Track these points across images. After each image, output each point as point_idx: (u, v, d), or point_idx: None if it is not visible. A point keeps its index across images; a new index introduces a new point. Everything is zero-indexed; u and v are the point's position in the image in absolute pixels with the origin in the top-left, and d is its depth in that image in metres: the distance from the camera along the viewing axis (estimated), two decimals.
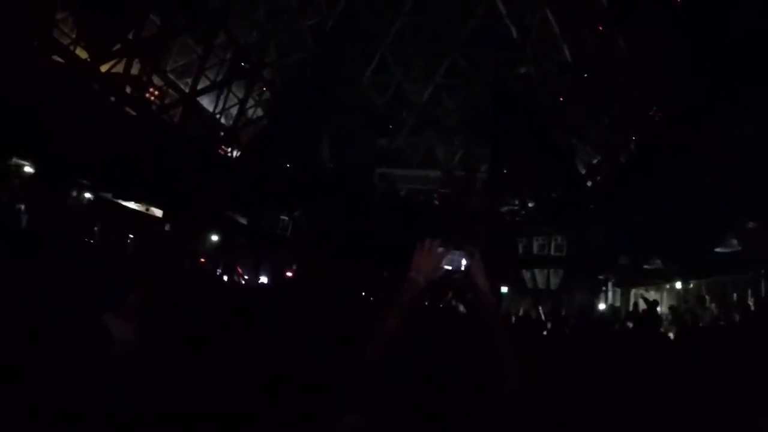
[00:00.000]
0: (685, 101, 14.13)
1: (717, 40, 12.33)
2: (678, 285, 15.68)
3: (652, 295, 16.13)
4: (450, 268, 2.08)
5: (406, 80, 19.45)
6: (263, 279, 19.07)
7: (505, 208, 18.64)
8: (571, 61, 16.47)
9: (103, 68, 14.57)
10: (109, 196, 15.67)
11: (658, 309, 14.99)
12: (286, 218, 19.21)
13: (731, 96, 12.04)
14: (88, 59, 14.02)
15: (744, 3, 12.10)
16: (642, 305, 15.49)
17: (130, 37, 14.72)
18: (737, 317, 13.36)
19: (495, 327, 2.09)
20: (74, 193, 15.03)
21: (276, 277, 19.37)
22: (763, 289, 13.41)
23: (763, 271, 13.76)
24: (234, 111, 17.70)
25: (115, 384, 3.47)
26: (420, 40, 18.73)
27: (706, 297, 14.96)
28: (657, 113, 15.22)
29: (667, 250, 15.34)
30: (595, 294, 17.25)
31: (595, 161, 17.12)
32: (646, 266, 16.03)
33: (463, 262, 2.08)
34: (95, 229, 15.50)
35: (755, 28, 11.45)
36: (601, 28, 15.45)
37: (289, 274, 19.99)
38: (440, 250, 2.07)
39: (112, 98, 14.97)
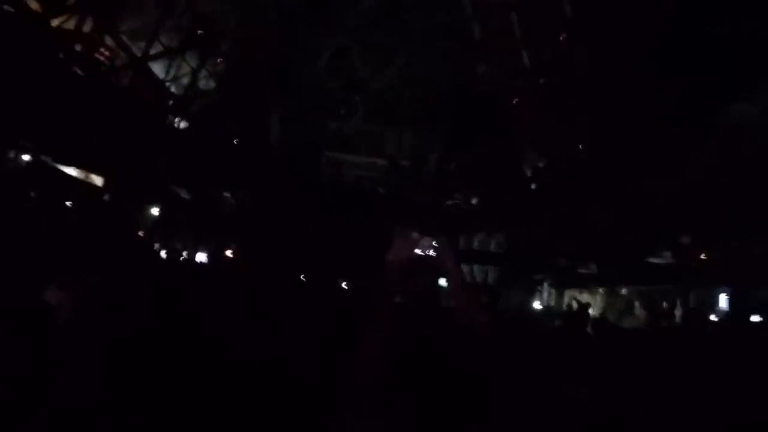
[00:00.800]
0: (636, 115, 14.83)
1: (678, 58, 13.01)
2: (611, 291, 16.64)
3: (585, 297, 17.06)
4: (422, 252, 2.34)
5: (363, 67, 19.34)
6: (202, 256, 18.58)
7: (449, 202, 19.00)
8: (528, 65, 16.91)
9: (54, 23, 13.72)
10: (49, 160, 14.76)
11: (590, 311, 15.94)
12: (230, 196, 18.75)
13: (684, 115, 12.66)
14: (40, 11, 13.17)
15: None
16: (575, 306, 16.43)
17: None
18: (664, 324, 14.39)
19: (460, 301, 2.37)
20: (12, 155, 14.05)
21: (215, 256, 18.91)
22: (691, 300, 14.39)
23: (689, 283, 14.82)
24: (186, 81, 16.98)
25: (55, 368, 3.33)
26: (383, 29, 18.63)
27: (636, 303, 15.96)
28: (606, 124, 15.89)
29: (602, 256, 16.19)
30: (531, 293, 17.99)
31: (541, 164, 17.72)
32: (581, 270, 16.85)
33: (433, 244, 2.35)
34: (32, 194, 14.62)
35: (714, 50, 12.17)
36: (562, 37, 15.94)
37: (229, 253, 19.56)
38: (414, 235, 2.32)
39: (60, 55, 14.07)
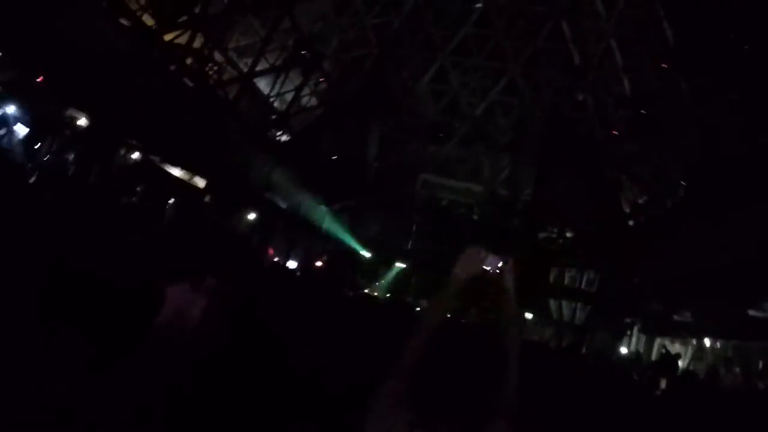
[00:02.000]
0: (741, 154, 13.56)
1: None
2: (705, 342, 15.02)
3: (676, 347, 15.58)
4: (488, 268, 2.52)
5: (462, 91, 19.36)
6: (292, 263, 19.43)
7: (542, 234, 18.28)
8: (629, 95, 16.01)
9: (167, 37, 15.18)
10: (156, 159, 16.26)
11: (679, 363, 14.49)
12: (325, 209, 19.43)
13: None
14: (154, 27, 14.66)
15: None
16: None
17: (197, 11, 15.25)
18: (759, 385, 12.79)
19: (509, 328, 2.45)
20: (123, 152, 15.66)
21: (306, 264, 19.70)
22: None
23: None
24: (288, 97, 18.04)
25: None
26: (482, 54, 18.60)
27: (730, 359, 14.37)
28: (710, 162, 14.65)
29: (699, 305, 14.73)
30: (619, 336, 16.70)
31: (640, 201, 16.59)
32: (675, 317, 15.42)
33: (499, 264, 2.50)
34: (138, 189, 16.20)
35: None
36: (664, 65, 14.98)
37: (319, 263, 20.29)
38: (482, 253, 2.47)
39: (172, 67, 15.55)
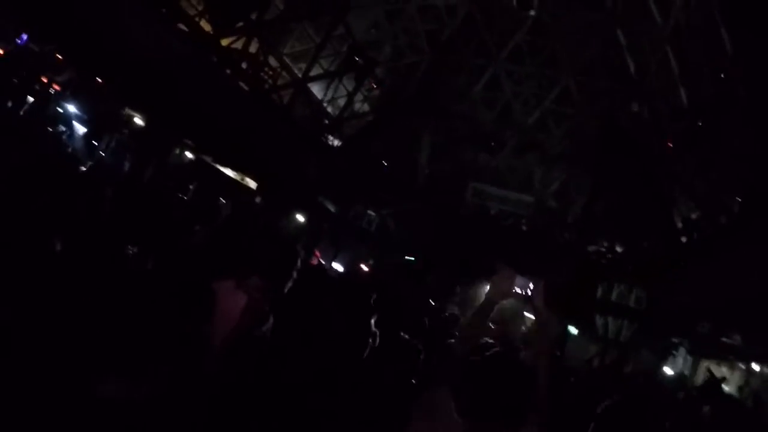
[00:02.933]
0: None
1: None
2: (755, 367, 14.22)
3: (723, 371, 14.82)
4: (518, 290, 2.68)
5: (515, 100, 19.16)
6: (338, 266, 19.72)
7: (592, 248, 17.80)
8: (686, 105, 15.41)
9: (224, 42, 15.85)
10: (209, 159, 16.99)
11: (726, 388, 13.78)
12: (374, 214, 19.67)
13: None
14: (211, 32, 15.34)
15: None
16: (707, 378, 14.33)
17: (253, 17, 15.84)
18: None
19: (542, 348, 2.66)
20: (177, 151, 16.46)
21: (352, 268, 19.94)
22: None
23: None
24: (341, 102, 18.42)
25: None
26: (535, 61, 18.37)
27: None
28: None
29: (749, 328, 13.99)
30: (665, 356, 16.04)
31: (694, 216, 15.89)
32: (724, 339, 14.69)
33: (530, 285, 2.66)
34: (191, 186, 16.96)
35: None
36: (722, 75, 14.36)
37: (365, 268, 20.49)
38: (513, 275, 2.67)
39: (228, 71, 16.21)
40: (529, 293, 2.66)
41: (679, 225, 16.15)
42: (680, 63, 15.14)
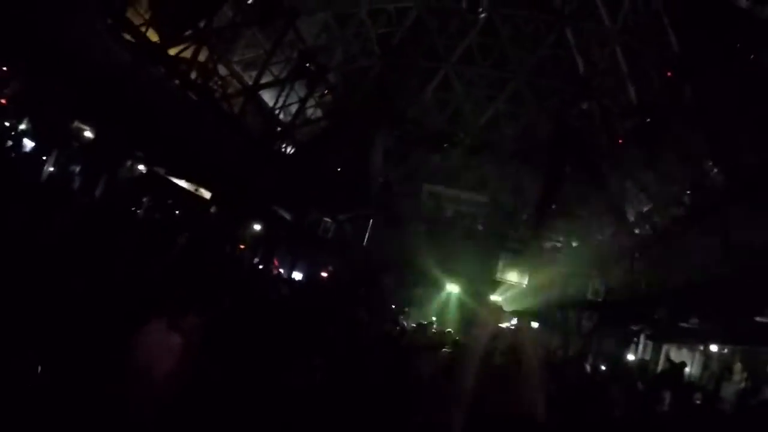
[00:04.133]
0: (746, 163, 13.56)
1: None
2: (713, 348, 14.98)
3: (683, 354, 15.56)
4: (504, 326, 2.85)
5: (467, 101, 19.40)
6: (297, 275, 19.45)
7: (548, 244, 18.29)
8: (635, 103, 16.03)
9: (172, 52, 15.24)
10: (161, 171, 16.33)
11: (687, 370, 14.46)
12: (330, 221, 19.48)
13: None
14: (158, 42, 14.72)
15: None
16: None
17: (202, 25, 15.32)
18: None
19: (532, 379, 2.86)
20: (128, 163, 15.73)
21: (311, 275, 19.72)
22: None
23: None
24: (293, 109, 18.10)
25: None
26: (486, 63, 18.65)
27: (737, 366, 14.33)
28: (715, 170, 14.68)
29: (706, 311, 14.71)
30: (626, 344, 16.68)
31: (645, 209, 16.58)
32: (682, 324, 15.39)
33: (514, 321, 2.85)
34: (144, 200, 16.27)
35: None
36: (669, 74, 14.99)
37: (324, 274, 20.31)
38: (501, 311, 2.83)
39: (177, 81, 15.60)
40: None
41: (632, 218, 16.80)
42: (629, 62, 15.72)
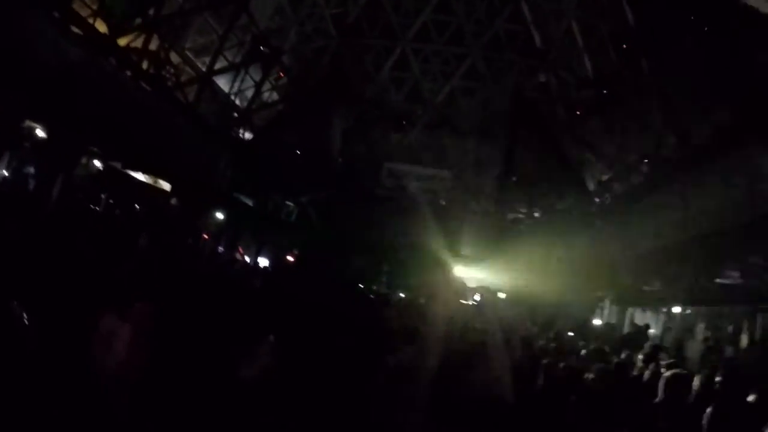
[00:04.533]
0: (701, 130, 14.04)
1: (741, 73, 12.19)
2: (675, 310, 15.65)
3: (647, 316, 16.19)
4: (467, 302, 2.74)
5: (424, 78, 19.34)
6: (263, 261, 19.24)
7: (511, 216, 18.59)
8: (591, 75, 16.32)
9: (122, 42, 14.62)
10: (118, 165, 15.77)
11: (651, 332, 15.10)
12: (292, 204, 19.26)
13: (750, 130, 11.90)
14: (107, 33, 14.08)
15: None
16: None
17: (151, 12, 14.72)
18: (729, 350, 13.40)
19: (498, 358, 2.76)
20: (84, 161, 15.13)
21: (277, 260, 19.52)
22: (758, 322, 13.42)
23: (760, 305, 13.78)
24: (249, 93, 17.68)
25: None
26: (442, 39, 18.58)
27: (699, 326, 15.03)
28: (671, 137, 15.13)
29: (667, 275, 15.30)
30: (592, 310, 17.25)
31: (606, 177, 17.02)
32: (645, 287, 16.00)
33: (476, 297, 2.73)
34: (102, 196, 15.73)
35: None
36: (624, 46, 15.29)
37: (290, 258, 20.16)
38: (460, 286, 2.64)
39: (128, 72, 15.00)
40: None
41: (592, 187, 17.21)
42: (584, 35, 15.94)
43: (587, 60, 16.07)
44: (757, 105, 11.25)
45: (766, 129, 10.91)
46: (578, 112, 16.85)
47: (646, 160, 15.89)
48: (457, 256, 19.11)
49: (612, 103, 16.00)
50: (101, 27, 14.07)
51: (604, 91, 16.07)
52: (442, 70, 19.21)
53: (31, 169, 13.94)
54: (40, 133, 13.64)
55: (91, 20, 13.97)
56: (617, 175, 16.50)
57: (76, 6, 13.77)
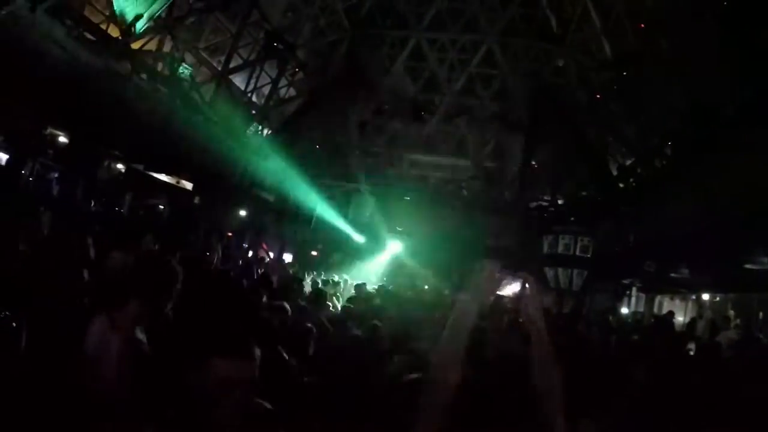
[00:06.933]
0: (725, 108, 13.56)
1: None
2: (704, 297, 15.23)
3: (676, 304, 15.78)
4: (505, 293, 2.36)
5: (440, 67, 19.08)
6: (288, 257, 19.37)
7: (533, 204, 18.27)
8: (610, 57, 15.87)
9: (135, 45, 14.82)
10: (140, 167, 16.03)
11: (680, 319, 14.69)
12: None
13: None
14: (120, 37, 14.29)
15: None
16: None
17: (164, 15, 14.87)
18: (761, 337, 12.98)
19: (541, 357, 2.36)
20: (106, 164, 15.42)
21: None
22: None
23: None
24: (266, 91, 17.75)
25: None
26: (456, 27, 18.29)
27: (730, 313, 14.58)
28: (695, 118, 14.64)
29: (695, 261, 14.86)
30: (619, 298, 16.86)
31: (629, 162, 16.60)
32: (672, 274, 15.56)
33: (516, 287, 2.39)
34: (126, 197, 16.01)
35: None
36: (642, 26, 14.84)
37: (314, 253, 20.26)
38: (498, 275, 2.27)
39: (143, 75, 15.20)
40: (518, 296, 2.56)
41: (615, 172, 16.81)
42: (601, 17, 15.52)
43: (605, 42, 15.63)
44: None
45: None
46: (598, 96, 16.44)
47: (669, 143, 15.44)
48: (484, 246, 18.86)
49: (633, 84, 15.56)
50: (114, 32, 14.34)
51: (624, 73, 15.63)
52: (459, 58, 18.93)
53: (55, 175, 14.27)
54: (62, 139, 14.00)
55: (103, 26, 14.26)
56: (640, 159, 16.06)
57: (87, 12, 14.07)
